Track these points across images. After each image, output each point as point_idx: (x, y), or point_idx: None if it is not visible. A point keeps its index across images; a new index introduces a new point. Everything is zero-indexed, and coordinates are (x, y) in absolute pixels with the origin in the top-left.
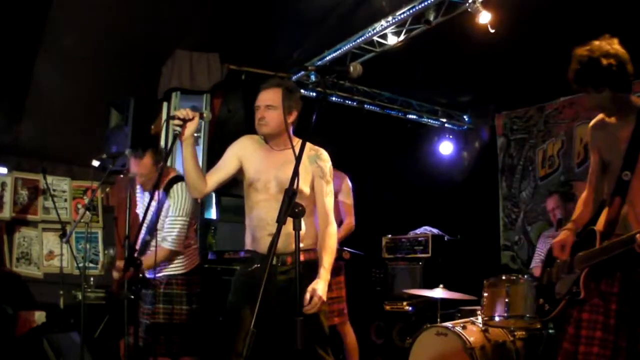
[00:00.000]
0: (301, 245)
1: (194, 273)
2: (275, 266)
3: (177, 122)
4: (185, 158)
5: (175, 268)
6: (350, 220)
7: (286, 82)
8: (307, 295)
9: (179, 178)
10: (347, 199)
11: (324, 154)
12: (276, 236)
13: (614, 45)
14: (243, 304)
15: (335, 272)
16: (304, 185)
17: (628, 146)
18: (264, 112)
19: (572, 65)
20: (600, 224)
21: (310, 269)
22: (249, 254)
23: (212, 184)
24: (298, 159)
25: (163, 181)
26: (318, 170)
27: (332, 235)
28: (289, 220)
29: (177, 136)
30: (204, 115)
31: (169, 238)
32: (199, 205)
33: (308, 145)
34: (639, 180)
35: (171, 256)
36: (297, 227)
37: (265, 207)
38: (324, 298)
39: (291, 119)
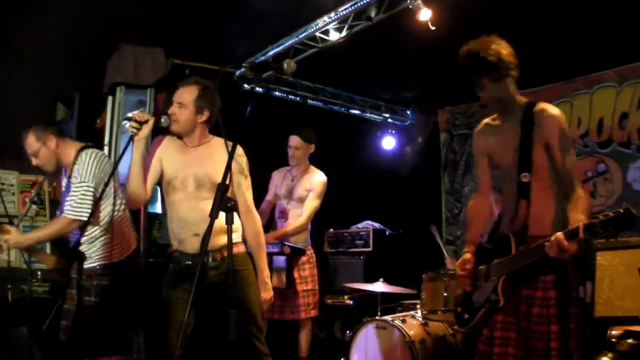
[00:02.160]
0: (225, 240)
1: (123, 263)
2: (206, 263)
3: (133, 124)
4: (133, 161)
5: (105, 256)
6: (306, 216)
7: (203, 82)
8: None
9: (88, 146)
10: (316, 198)
11: (240, 149)
12: (208, 231)
13: (496, 42)
14: (175, 299)
15: (309, 265)
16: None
17: (520, 147)
18: (175, 109)
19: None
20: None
21: (238, 263)
22: (177, 254)
23: (149, 190)
24: (230, 154)
25: (68, 156)
26: (236, 166)
27: (258, 233)
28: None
29: (132, 137)
30: (162, 121)
31: (67, 205)
32: (117, 185)
33: (223, 141)
34: (538, 181)
35: (70, 226)
36: (229, 221)
37: (185, 207)
38: (271, 297)
39: (202, 118)
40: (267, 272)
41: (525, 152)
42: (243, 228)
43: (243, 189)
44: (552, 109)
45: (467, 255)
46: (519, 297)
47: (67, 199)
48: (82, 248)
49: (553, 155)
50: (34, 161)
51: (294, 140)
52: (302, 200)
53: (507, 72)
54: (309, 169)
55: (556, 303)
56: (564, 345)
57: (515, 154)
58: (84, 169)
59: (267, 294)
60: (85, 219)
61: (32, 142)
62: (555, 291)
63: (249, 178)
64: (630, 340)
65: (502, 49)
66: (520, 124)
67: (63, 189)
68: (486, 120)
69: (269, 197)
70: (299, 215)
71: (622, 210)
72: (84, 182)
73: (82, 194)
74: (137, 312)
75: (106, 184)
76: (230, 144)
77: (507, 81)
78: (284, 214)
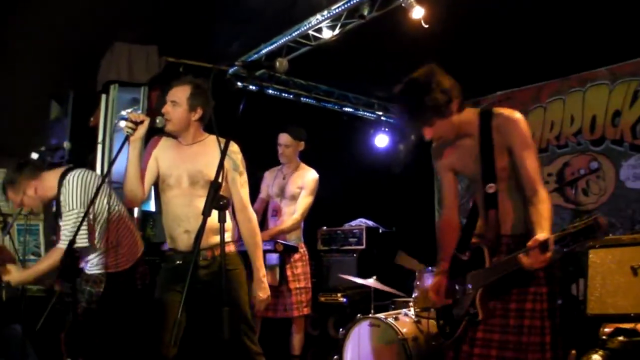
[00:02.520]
0: (217, 239)
1: (131, 270)
2: (196, 261)
3: (129, 124)
4: (130, 161)
5: (110, 265)
6: (299, 213)
7: (196, 80)
8: (258, 305)
9: (70, 169)
10: (308, 195)
11: (235, 146)
12: (201, 229)
13: (437, 77)
14: (168, 298)
15: (302, 262)
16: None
17: (481, 156)
18: (168, 108)
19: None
20: (478, 228)
21: (229, 262)
22: (170, 252)
23: (147, 189)
24: (223, 152)
25: (50, 188)
26: (230, 163)
27: (254, 232)
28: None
29: (127, 138)
30: (157, 121)
31: (62, 235)
32: (111, 197)
33: (218, 138)
34: (504, 188)
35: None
36: (221, 220)
37: (178, 203)
38: (267, 296)
39: (196, 116)
40: (263, 272)
41: (487, 161)
42: (239, 226)
43: (238, 186)
44: (512, 113)
45: (437, 279)
46: (510, 295)
47: (61, 227)
48: (89, 258)
49: (515, 159)
50: (24, 209)
51: (283, 138)
52: (294, 198)
53: (452, 103)
54: (300, 167)
55: (547, 298)
56: (554, 339)
57: (478, 165)
58: (70, 196)
59: (263, 292)
60: (85, 244)
61: (12, 197)
62: (546, 286)
63: (244, 175)
64: (621, 338)
65: (445, 83)
66: (478, 133)
67: (54, 210)
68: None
69: (262, 195)
70: (292, 212)
71: (591, 221)
72: (73, 209)
73: (74, 222)
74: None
75: (93, 199)
76: (223, 140)
77: (453, 111)
78: (277, 212)
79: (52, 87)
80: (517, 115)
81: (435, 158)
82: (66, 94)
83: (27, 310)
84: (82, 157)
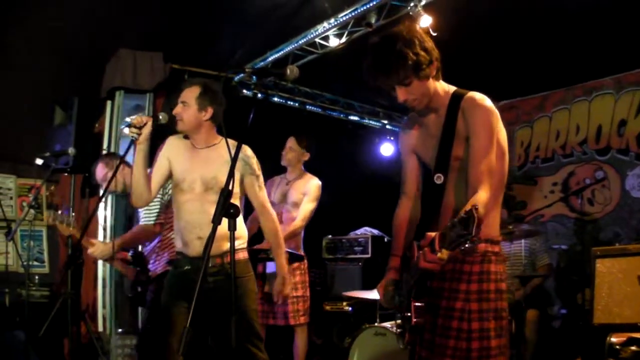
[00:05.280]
0: (227, 246)
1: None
2: (206, 270)
3: (133, 129)
4: (136, 163)
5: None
6: (301, 218)
7: (205, 81)
8: (276, 299)
9: None
10: (311, 201)
11: (249, 150)
12: (211, 237)
13: (418, 35)
14: (175, 304)
15: (301, 271)
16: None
17: (440, 142)
18: (179, 109)
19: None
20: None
21: (238, 270)
22: (180, 256)
23: (155, 190)
24: (234, 160)
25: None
26: (246, 168)
27: (276, 231)
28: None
29: (134, 142)
30: (160, 118)
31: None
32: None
33: (231, 143)
34: (455, 182)
35: (151, 235)
36: (231, 228)
37: (190, 209)
38: (287, 293)
39: (206, 116)
40: (286, 269)
41: (444, 147)
42: (262, 227)
43: (256, 189)
44: (483, 100)
45: (385, 276)
46: (452, 291)
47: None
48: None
49: (470, 149)
50: (112, 187)
51: (290, 141)
52: (296, 204)
53: (432, 65)
54: (304, 175)
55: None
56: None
57: (435, 148)
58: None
59: (285, 288)
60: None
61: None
62: (476, 302)
63: (261, 178)
64: (633, 348)
65: (427, 42)
66: (445, 114)
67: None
68: (412, 113)
69: None
70: (294, 219)
71: (463, 214)
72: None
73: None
74: None
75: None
76: (233, 144)
77: (431, 76)
78: (279, 219)
79: (57, 93)
80: (487, 103)
81: (401, 138)
82: (71, 100)
83: (30, 316)
84: (87, 164)
